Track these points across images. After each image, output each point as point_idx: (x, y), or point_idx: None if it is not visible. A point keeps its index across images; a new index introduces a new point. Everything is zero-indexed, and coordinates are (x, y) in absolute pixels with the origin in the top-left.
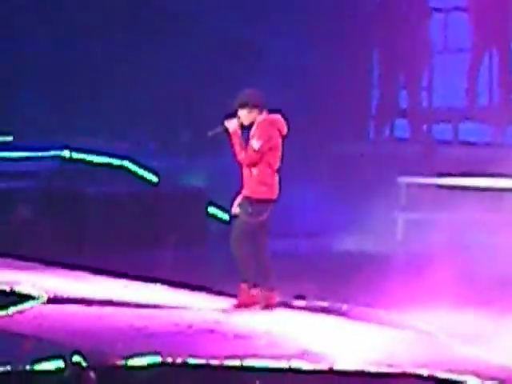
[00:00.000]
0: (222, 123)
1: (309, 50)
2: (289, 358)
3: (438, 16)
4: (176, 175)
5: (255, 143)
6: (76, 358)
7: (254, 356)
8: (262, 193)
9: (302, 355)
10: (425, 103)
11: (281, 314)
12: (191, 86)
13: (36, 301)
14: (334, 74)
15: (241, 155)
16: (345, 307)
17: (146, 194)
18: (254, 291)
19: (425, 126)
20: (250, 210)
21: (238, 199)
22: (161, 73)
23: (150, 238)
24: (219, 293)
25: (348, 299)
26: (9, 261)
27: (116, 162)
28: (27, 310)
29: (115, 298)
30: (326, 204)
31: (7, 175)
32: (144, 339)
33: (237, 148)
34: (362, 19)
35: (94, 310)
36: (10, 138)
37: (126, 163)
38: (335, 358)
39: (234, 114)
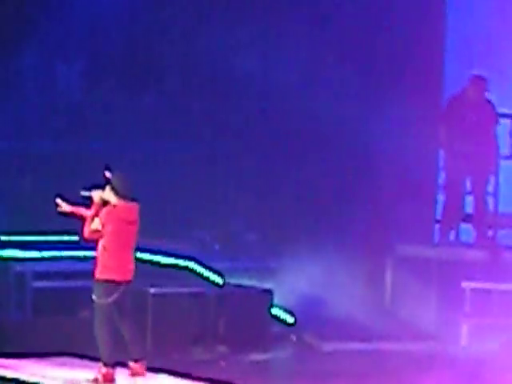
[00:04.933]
0: (90, 189)
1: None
2: None
3: (504, 121)
4: (240, 276)
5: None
6: None
7: None
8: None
9: None
10: (490, 208)
11: None
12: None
13: None
14: (399, 175)
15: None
16: None
17: (209, 294)
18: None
19: (490, 231)
20: (99, 292)
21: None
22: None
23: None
24: None
25: None
26: (71, 360)
27: (181, 262)
28: None
29: None
30: (387, 307)
31: (73, 274)
32: None
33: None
34: (431, 121)
35: None
36: (76, 238)
37: (191, 264)
38: None
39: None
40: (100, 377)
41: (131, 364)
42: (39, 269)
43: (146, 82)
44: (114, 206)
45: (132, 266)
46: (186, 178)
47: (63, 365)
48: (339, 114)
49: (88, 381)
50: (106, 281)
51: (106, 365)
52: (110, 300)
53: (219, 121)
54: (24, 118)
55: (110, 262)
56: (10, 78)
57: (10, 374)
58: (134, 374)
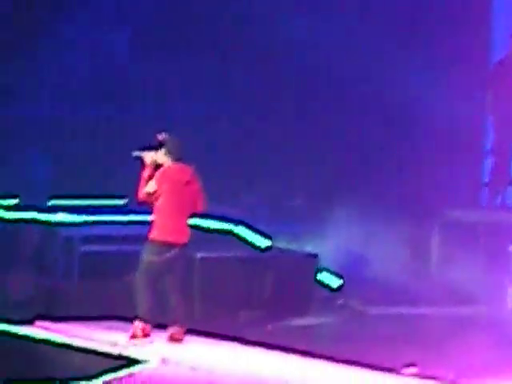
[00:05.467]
0: (143, 150)
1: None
2: None
3: None
4: (286, 240)
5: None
6: None
7: None
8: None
9: None
10: None
11: None
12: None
13: (143, 365)
14: (446, 139)
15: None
16: (452, 376)
17: (255, 258)
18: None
19: None
20: (148, 251)
21: None
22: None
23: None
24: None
25: (459, 367)
26: (118, 323)
27: (228, 226)
28: (136, 373)
29: (224, 362)
30: (433, 271)
31: (120, 239)
32: None
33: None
34: (479, 85)
35: (203, 374)
36: (123, 202)
37: (239, 228)
38: None
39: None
40: (135, 332)
41: (171, 328)
42: (87, 233)
43: (192, 48)
44: (168, 167)
45: (187, 229)
46: (235, 144)
47: (110, 328)
48: (382, 78)
49: (127, 343)
50: (159, 242)
51: (140, 320)
52: (156, 259)
53: (265, 89)
54: (75, 85)
55: (165, 223)
56: (59, 46)
57: (57, 338)
58: (172, 339)
